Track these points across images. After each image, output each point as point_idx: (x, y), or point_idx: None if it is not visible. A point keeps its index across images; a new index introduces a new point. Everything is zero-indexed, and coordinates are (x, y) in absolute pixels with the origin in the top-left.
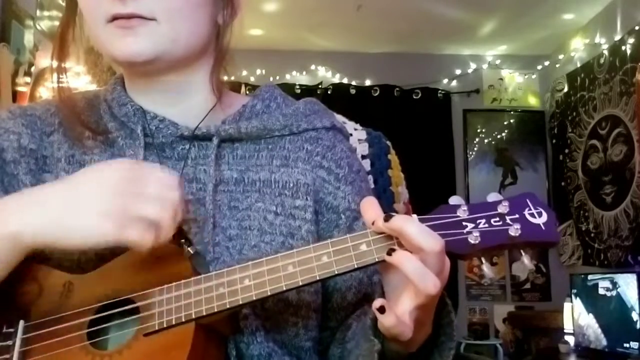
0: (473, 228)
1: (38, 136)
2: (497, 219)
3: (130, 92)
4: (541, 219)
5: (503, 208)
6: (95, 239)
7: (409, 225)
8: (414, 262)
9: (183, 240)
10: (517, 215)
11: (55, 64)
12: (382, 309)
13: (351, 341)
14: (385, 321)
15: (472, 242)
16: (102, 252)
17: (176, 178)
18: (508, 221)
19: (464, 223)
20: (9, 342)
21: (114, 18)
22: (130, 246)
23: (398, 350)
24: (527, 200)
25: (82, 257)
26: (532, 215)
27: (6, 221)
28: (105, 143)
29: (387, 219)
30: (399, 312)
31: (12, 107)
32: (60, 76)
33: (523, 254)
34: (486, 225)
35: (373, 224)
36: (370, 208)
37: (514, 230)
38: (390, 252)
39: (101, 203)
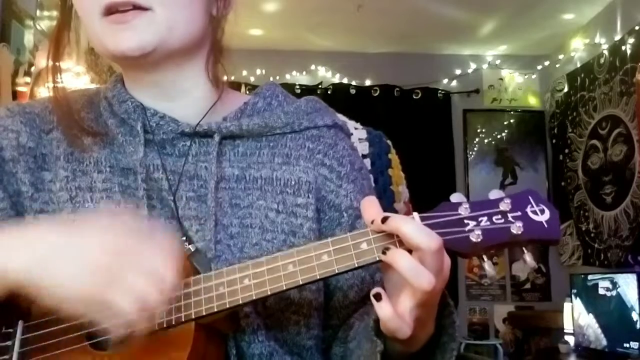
0: (475, 226)
1: (37, 134)
2: (499, 216)
3: (130, 89)
4: (543, 217)
5: (505, 205)
6: (75, 290)
7: (405, 225)
8: (408, 259)
9: (184, 238)
10: (519, 213)
11: (50, 64)
12: (378, 296)
13: (353, 341)
14: (381, 311)
15: (474, 240)
16: None
17: (178, 248)
18: (510, 219)
19: (465, 221)
20: (9, 343)
21: (109, 9)
22: (107, 313)
23: (400, 351)
24: (530, 197)
25: None
26: (534, 212)
27: None
28: (103, 140)
29: (384, 220)
30: (399, 311)
31: (11, 105)
32: (56, 76)
33: (525, 251)
34: (488, 223)
35: (372, 222)
36: (370, 207)
37: (516, 228)
38: (384, 251)
39: (92, 259)
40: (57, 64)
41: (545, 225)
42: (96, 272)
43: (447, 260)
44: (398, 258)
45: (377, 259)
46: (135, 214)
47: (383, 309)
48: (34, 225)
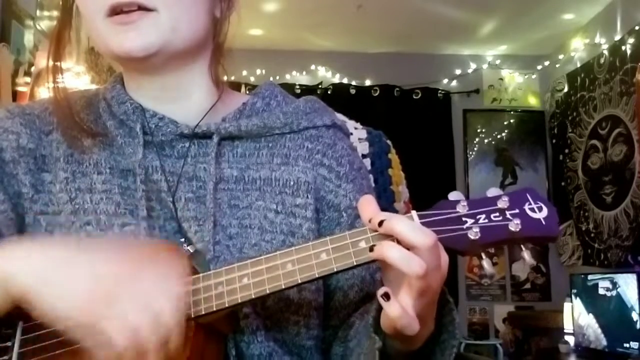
0: (473, 224)
1: (37, 135)
2: (497, 214)
3: (130, 90)
4: (541, 214)
5: (503, 203)
6: (71, 310)
7: (398, 224)
8: (395, 249)
9: (182, 240)
10: (517, 210)
11: (51, 63)
12: (386, 296)
13: (353, 339)
14: (390, 310)
15: (472, 237)
16: None
17: (186, 299)
18: (508, 216)
19: (463, 219)
20: (8, 343)
21: (113, 9)
22: (98, 339)
23: (400, 349)
24: (527, 195)
25: None
26: (532, 210)
27: (3, 263)
28: (103, 142)
29: (380, 223)
30: (402, 306)
31: (10, 107)
32: (57, 76)
33: (523, 249)
34: (486, 220)
35: (370, 221)
36: (368, 206)
37: (514, 226)
38: (372, 248)
39: (93, 282)
40: (57, 63)
41: (543, 223)
42: (93, 295)
43: (445, 257)
44: (386, 250)
45: None
46: (143, 241)
47: (392, 308)
48: (42, 240)
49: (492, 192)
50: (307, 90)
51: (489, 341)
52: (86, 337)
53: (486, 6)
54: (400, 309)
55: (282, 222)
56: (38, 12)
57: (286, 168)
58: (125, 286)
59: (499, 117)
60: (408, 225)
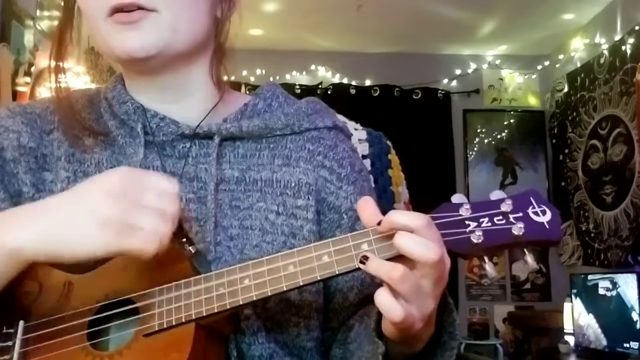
0: (476, 227)
1: (38, 134)
2: (500, 217)
3: (131, 90)
4: (545, 217)
5: (506, 206)
6: (97, 250)
7: (403, 239)
8: (380, 265)
9: (184, 240)
10: (520, 214)
11: (53, 63)
12: (365, 258)
13: (354, 342)
14: (371, 267)
15: (475, 241)
16: None
17: (175, 185)
18: (511, 220)
19: (466, 222)
20: (9, 343)
21: (115, 9)
22: (131, 255)
23: (401, 352)
24: (531, 198)
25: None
26: (535, 213)
27: (5, 237)
28: (105, 142)
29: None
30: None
31: (11, 105)
32: (59, 76)
33: (526, 252)
34: (489, 224)
35: (379, 224)
36: (367, 208)
37: (518, 230)
38: (363, 260)
39: (101, 213)
40: (59, 63)
41: (547, 226)
42: (114, 209)
43: (447, 264)
44: (375, 267)
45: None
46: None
47: (373, 264)
48: (38, 202)
49: (496, 194)
50: (307, 90)
51: (489, 341)
52: (123, 242)
53: (486, 6)
54: (376, 261)
55: (283, 223)
56: (38, 12)
57: (287, 169)
58: (132, 202)
59: (499, 117)
60: (411, 240)
